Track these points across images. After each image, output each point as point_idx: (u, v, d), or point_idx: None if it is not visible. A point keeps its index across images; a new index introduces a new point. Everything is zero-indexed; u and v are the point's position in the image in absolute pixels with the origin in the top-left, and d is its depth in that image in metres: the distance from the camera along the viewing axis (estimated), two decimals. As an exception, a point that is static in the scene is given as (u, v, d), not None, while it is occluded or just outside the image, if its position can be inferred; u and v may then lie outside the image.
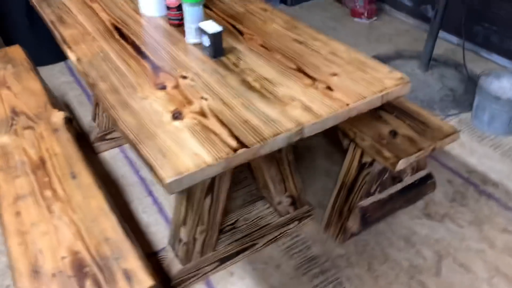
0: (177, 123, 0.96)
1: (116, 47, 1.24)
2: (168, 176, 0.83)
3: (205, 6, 1.47)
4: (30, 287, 0.96)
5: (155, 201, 1.73)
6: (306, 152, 1.97)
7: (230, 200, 1.71)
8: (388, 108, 1.51)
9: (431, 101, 2.24)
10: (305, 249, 1.54)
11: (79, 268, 1.00)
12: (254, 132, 0.93)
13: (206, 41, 1.17)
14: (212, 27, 1.15)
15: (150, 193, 1.76)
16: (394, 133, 1.39)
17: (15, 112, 1.47)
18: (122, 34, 1.31)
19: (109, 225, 1.10)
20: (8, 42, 2.40)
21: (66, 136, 1.37)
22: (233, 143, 0.90)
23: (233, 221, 1.52)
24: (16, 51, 1.80)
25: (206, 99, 1.03)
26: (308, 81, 1.09)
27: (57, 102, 1.84)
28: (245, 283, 1.44)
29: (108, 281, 0.97)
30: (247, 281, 1.45)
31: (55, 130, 1.39)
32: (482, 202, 1.72)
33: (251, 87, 1.07)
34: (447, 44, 2.74)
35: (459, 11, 2.61)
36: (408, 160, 1.32)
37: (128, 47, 1.24)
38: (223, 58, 1.19)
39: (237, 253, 1.48)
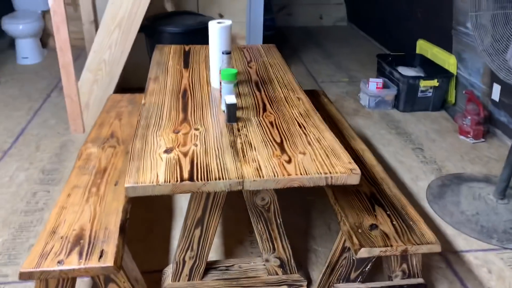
0: (164, 155, 1.33)
1: (173, 102, 1.70)
2: (129, 182, 1.19)
3: (257, 87, 1.85)
4: (44, 239, 1.39)
5: (191, 234, 2.08)
6: (336, 234, 2.10)
7: (246, 251, 1.96)
8: (386, 205, 1.61)
9: (492, 229, 2.15)
10: (283, 312, 1.68)
11: (77, 239, 1.40)
12: (206, 173, 1.24)
13: (225, 109, 1.54)
14: (230, 99, 1.52)
15: (191, 227, 2.12)
16: (374, 227, 1.50)
17: (111, 135, 2.03)
18: (185, 95, 1.77)
19: (114, 221, 1.49)
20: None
21: (130, 158, 1.85)
22: (186, 176, 1.23)
23: (230, 264, 1.77)
24: (140, 97, 2.44)
25: (196, 146, 1.38)
26: (278, 153, 1.36)
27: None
28: (219, 319, 1.65)
29: (88, 253, 1.34)
30: (221, 318, 1.66)
31: (127, 152, 1.90)
32: (487, 337, 1.60)
33: (233, 146, 1.39)
34: (549, 181, 2.55)
35: None
36: (371, 251, 1.41)
37: (180, 103, 1.69)
38: (234, 124, 1.53)
39: (223, 292, 1.71)
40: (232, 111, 1.53)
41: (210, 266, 1.75)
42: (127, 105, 2.36)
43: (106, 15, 2.68)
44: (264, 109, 1.66)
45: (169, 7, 3.49)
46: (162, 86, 1.85)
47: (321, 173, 1.26)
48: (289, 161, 1.31)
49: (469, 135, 3.02)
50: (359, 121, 3.28)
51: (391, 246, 1.43)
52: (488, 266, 1.95)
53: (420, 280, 1.61)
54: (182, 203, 2.30)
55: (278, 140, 1.43)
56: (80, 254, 1.34)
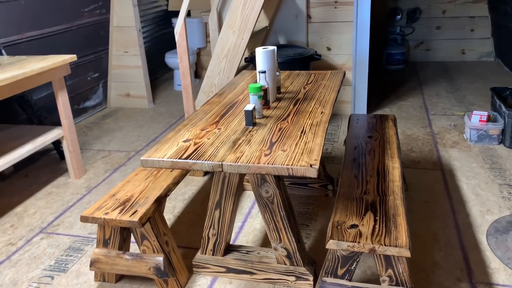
0: (181, 143, 1.75)
1: (219, 110, 2.12)
2: (144, 156, 1.64)
3: (295, 102, 2.14)
4: (105, 198, 1.94)
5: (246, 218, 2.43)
6: (368, 249, 2.19)
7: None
8: (381, 212, 1.72)
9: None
10: (284, 297, 1.90)
11: (125, 201, 1.91)
12: (199, 157, 1.61)
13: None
14: (248, 107, 1.87)
15: (246, 219, 2.48)
16: (354, 226, 1.64)
17: (190, 138, 2.55)
18: (233, 105, 2.17)
19: (155, 194, 1.96)
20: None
21: (193, 155, 2.33)
22: (184, 156, 1.62)
23: (252, 249, 2.06)
24: (228, 113, 2.92)
25: (208, 139, 1.77)
26: (265, 148, 1.65)
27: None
28: (231, 292, 1.96)
29: (126, 210, 1.84)
30: (234, 292, 1.97)
31: (193, 151, 2.38)
32: None
33: (235, 142, 1.72)
34: None
35: None
36: (339, 244, 1.57)
37: (223, 111, 2.09)
38: (250, 127, 1.87)
39: (240, 271, 2.01)
40: (248, 117, 1.87)
41: (235, 248, 2.08)
42: (216, 118, 2.86)
43: (217, 47, 3.29)
44: (285, 119, 1.95)
45: (281, 41, 3.97)
46: (221, 99, 2.29)
47: (284, 164, 1.51)
48: (267, 155, 1.59)
49: None
50: (454, 152, 3.18)
51: (359, 242, 1.56)
52: (521, 303, 1.81)
53: (408, 290, 1.66)
54: (245, 203, 2.67)
55: (274, 140, 1.72)
56: (121, 211, 1.84)
